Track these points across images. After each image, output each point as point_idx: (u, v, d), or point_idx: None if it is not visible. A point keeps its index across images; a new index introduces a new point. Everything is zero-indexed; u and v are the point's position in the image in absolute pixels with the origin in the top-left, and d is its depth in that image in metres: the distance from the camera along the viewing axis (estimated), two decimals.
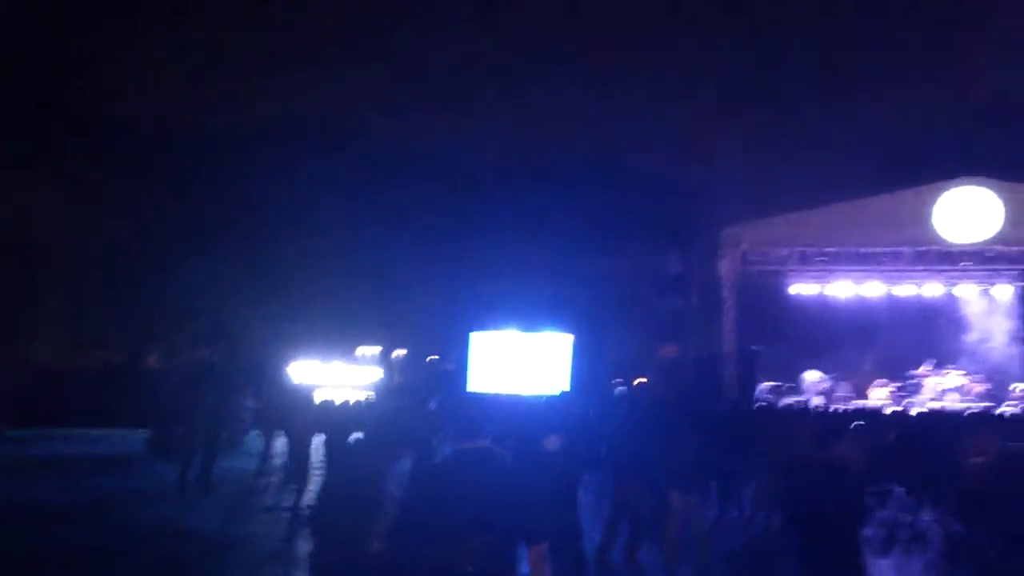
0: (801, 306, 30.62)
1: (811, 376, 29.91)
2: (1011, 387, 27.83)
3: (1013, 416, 22.03)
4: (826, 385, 29.64)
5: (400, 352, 43.64)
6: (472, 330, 23.86)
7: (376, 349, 43.33)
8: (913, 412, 21.70)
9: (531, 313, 25.67)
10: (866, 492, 8.56)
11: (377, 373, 42.03)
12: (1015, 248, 27.15)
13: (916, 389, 29.06)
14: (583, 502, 13.06)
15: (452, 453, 4.51)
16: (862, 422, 7.92)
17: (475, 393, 21.92)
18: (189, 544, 11.75)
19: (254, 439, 23.92)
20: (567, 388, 22.60)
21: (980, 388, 28.37)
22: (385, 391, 31.29)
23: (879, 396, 28.95)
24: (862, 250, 28.20)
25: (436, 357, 33.88)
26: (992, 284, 29.78)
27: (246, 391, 24.05)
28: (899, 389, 29.34)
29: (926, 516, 13.62)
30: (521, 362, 23.38)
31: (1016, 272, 26.67)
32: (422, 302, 35.04)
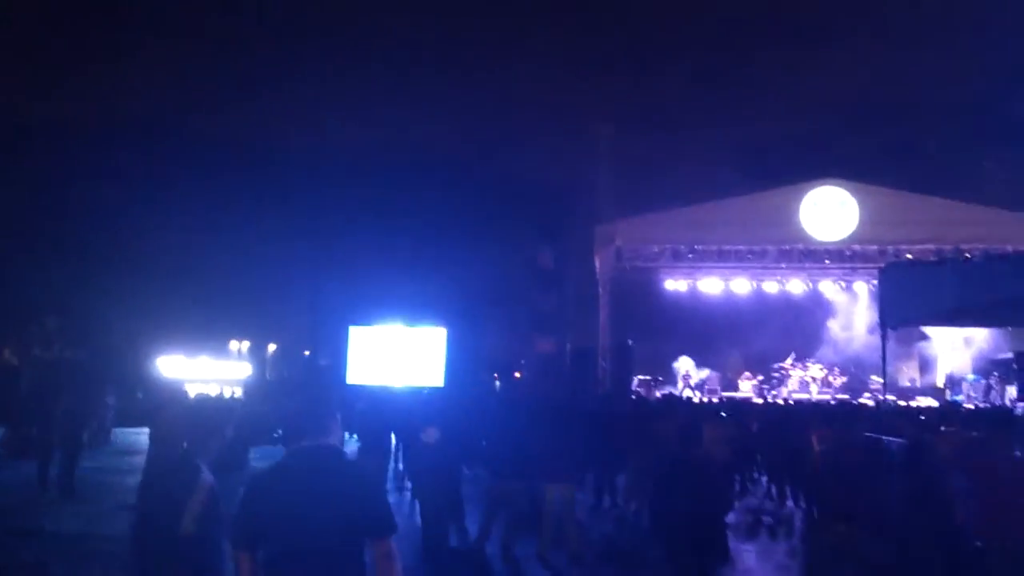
0: (673, 301, 31.43)
1: (683, 364, 30.82)
2: (870, 379, 29.32)
3: (869, 408, 23.09)
4: (697, 375, 30.59)
5: (272, 347, 42.79)
6: (350, 324, 23.60)
7: (247, 344, 42.35)
8: (775, 403, 22.61)
9: (408, 308, 25.57)
10: (731, 480, 8.91)
11: (247, 369, 41.12)
12: (871, 247, 28.54)
13: (781, 381, 30.26)
14: (466, 495, 13.16)
15: (289, 451, 4.43)
16: (724, 414, 8.23)
17: (353, 385, 21.76)
18: (46, 545, 11.27)
19: (121, 436, 23.08)
20: (441, 382, 22.59)
21: (840, 380, 29.80)
22: (256, 386, 30.63)
23: (746, 388, 30.06)
24: (730, 247, 29.14)
25: (309, 352, 33.36)
26: (851, 281, 31.28)
27: (107, 388, 23.16)
28: (764, 381, 30.54)
29: (788, 502, 14.25)
30: (398, 356, 23.25)
31: (872, 270, 28.02)
32: (295, 297, 34.45)
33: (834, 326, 31.14)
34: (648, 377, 30.32)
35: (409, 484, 12.19)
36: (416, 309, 25.61)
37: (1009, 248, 25.16)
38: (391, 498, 13.62)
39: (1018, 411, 21.08)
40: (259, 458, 14.80)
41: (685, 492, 7.05)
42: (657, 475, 7.74)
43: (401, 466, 15.26)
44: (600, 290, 29.69)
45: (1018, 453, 6.18)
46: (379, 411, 13.00)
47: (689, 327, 31.01)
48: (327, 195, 34.24)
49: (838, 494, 9.57)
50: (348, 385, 21.64)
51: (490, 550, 10.74)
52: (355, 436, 12.57)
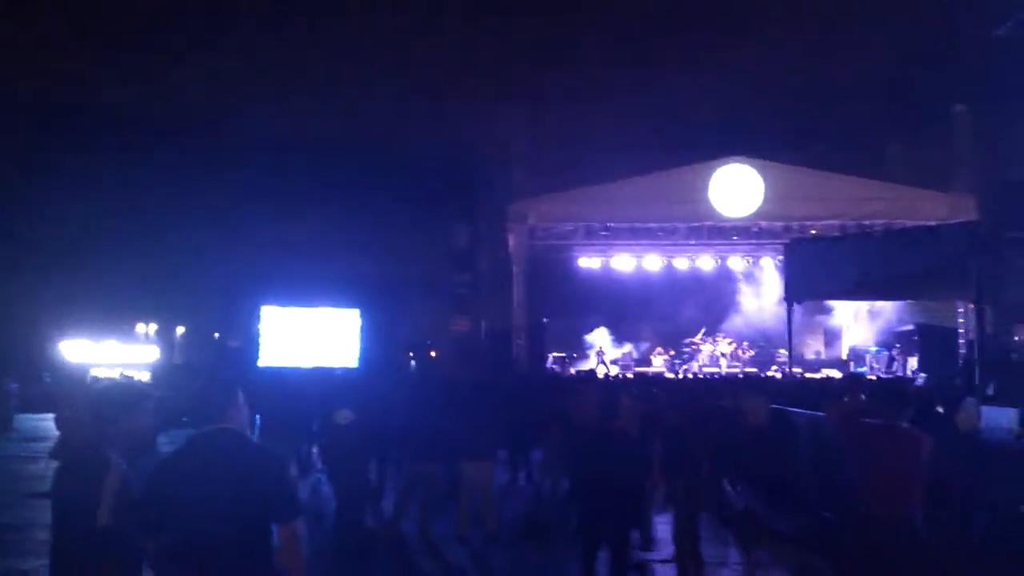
0: (587, 279, 31.74)
1: (598, 340, 31.19)
2: (777, 352, 30.13)
3: (775, 380, 23.73)
4: (611, 351, 31.01)
5: (181, 329, 41.83)
6: (262, 304, 23.20)
7: (153, 327, 41.31)
8: (685, 377, 23.07)
9: (322, 289, 25.21)
10: (647, 451, 9.06)
11: (155, 352, 40.12)
12: (777, 223, 29.20)
13: (692, 356, 30.89)
14: (387, 478, 13.10)
15: (191, 436, 4.35)
16: (635, 389, 8.38)
17: (266, 368, 21.42)
18: None
19: (24, 423, 22.37)
20: (356, 363, 22.42)
21: (749, 353, 30.56)
22: (164, 370, 29.94)
23: (659, 363, 30.61)
24: (642, 225, 29.47)
25: (219, 334, 32.72)
26: (758, 256, 32.02)
27: (8, 374, 22.42)
28: (676, 356, 31.12)
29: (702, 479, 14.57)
30: (312, 337, 22.98)
31: (778, 245, 28.67)
32: (204, 277, 33.67)
33: (742, 301, 31.87)
34: (563, 354, 30.61)
35: (324, 466, 12.10)
36: (330, 290, 25.28)
37: (909, 223, 26.03)
38: (305, 481, 13.51)
39: (919, 382, 21.94)
40: (170, 443, 14.51)
41: (606, 462, 7.16)
42: (576, 447, 7.84)
43: (316, 448, 15.16)
44: (514, 268, 29.77)
45: (905, 424, 6.42)
46: (290, 392, 12.86)
47: (603, 304, 31.38)
48: (239, 174, 33.48)
49: (745, 464, 9.83)
50: (259, 368, 21.30)
51: (408, 530, 10.75)
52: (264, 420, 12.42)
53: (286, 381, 14.74)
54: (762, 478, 8.10)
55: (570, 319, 31.24)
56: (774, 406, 11.57)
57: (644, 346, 31.90)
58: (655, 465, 9.15)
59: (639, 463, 7.91)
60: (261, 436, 11.91)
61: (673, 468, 9.57)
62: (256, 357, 22.38)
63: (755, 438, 8.27)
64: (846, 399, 10.88)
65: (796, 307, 21.58)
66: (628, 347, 31.63)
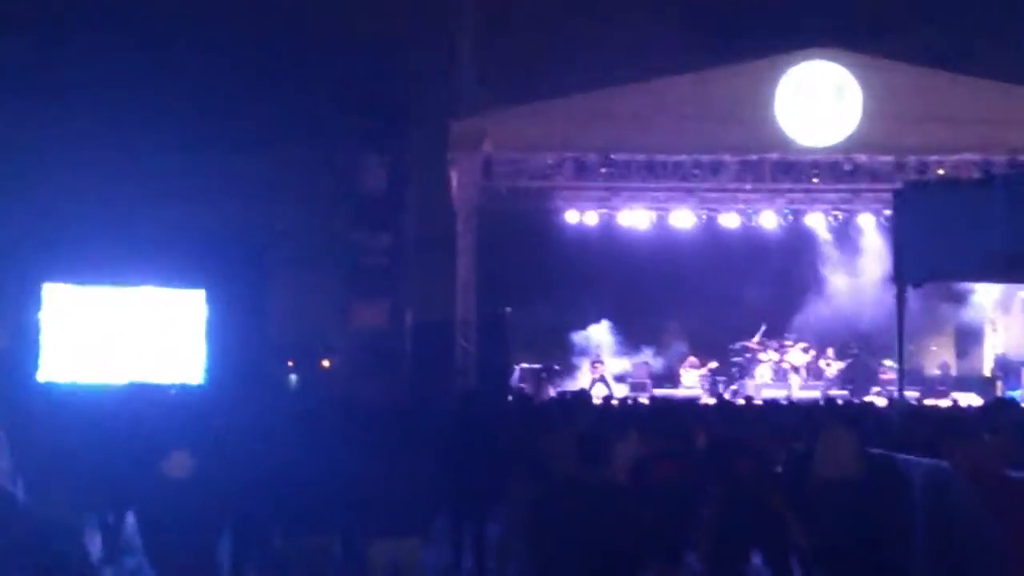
0: (577, 244, 31.68)
1: (594, 341, 31.22)
2: (882, 364, 30.27)
3: (877, 409, 23.86)
4: (614, 362, 31.04)
5: None
6: (44, 281, 23.00)
7: None
8: (735, 403, 23.14)
9: (145, 256, 24.96)
10: (659, 532, 9.10)
11: None
12: (882, 157, 29.33)
13: (745, 370, 31.02)
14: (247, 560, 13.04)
15: None
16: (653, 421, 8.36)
17: (50, 384, 21.25)
18: None
19: None
20: (199, 378, 22.32)
21: (837, 367, 30.69)
22: None
23: (691, 381, 30.68)
24: (666, 158, 29.49)
25: None
26: (852, 211, 32.12)
27: None
28: (719, 370, 31.18)
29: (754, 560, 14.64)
30: (126, 334, 22.83)
31: (883, 193, 28.71)
32: None
33: (826, 282, 31.96)
34: (538, 365, 30.61)
35: (141, 546, 12.01)
36: (158, 257, 25.04)
37: None
38: (114, 572, 13.42)
39: None
40: None
41: (581, 531, 7.13)
42: (547, 519, 7.81)
43: (130, 518, 15.04)
44: (459, 226, 29.66)
45: None
46: (91, 425, 12.76)
47: (602, 285, 31.37)
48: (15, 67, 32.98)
49: (830, 547, 9.88)
50: (38, 384, 21.15)
51: None
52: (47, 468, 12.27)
53: (84, 407, 14.63)
54: (852, 562, 8.17)
55: (549, 309, 31.23)
56: (874, 450, 11.68)
57: (669, 353, 31.99)
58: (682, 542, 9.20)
59: (640, 535, 7.90)
60: (37, 497, 11.85)
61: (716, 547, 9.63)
62: (33, 366, 22.22)
63: (842, 498, 8.33)
64: (987, 438, 11.00)
65: (912, 292, 21.71)
66: (643, 356, 31.69)
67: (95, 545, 13.24)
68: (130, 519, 14.65)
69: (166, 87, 33.85)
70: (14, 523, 4.23)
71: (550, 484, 9.08)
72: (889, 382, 28.60)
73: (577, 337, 31.61)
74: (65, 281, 22.80)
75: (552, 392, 28.01)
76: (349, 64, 34.04)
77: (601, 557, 7.14)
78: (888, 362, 29.11)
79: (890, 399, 25.91)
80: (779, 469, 12.35)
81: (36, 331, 22.41)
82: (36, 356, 22.34)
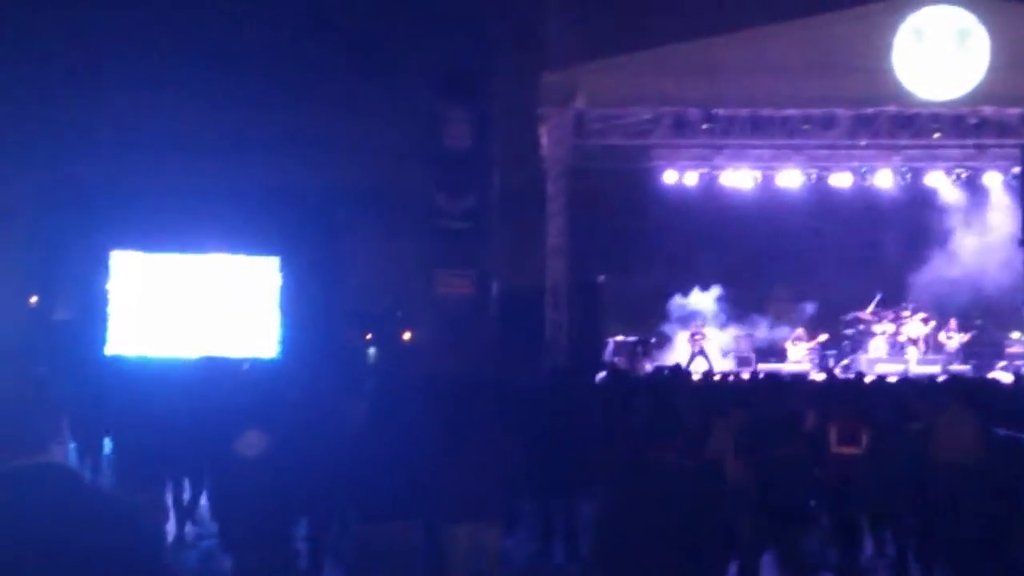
0: (676, 206, 31.67)
1: (695, 310, 31.20)
2: (1008, 337, 29.98)
3: (1006, 387, 23.66)
4: (718, 334, 31.00)
5: None
6: (111, 248, 23.34)
7: None
8: (848, 379, 23.07)
9: (214, 222, 25.24)
10: (752, 514, 9.15)
11: None
12: (1012, 110, 29.03)
13: (859, 343, 30.86)
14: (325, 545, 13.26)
15: None
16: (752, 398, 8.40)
17: (117, 358, 21.60)
18: None
19: None
20: (273, 351, 22.58)
21: (960, 339, 30.42)
22: None
23: (799, 354, 30.58)
24: (772, 112, 29.41)
25: (37, 299, 32.83)
26: (978, 169, 31.80)
27: None
28: (830, 343, 31.04)
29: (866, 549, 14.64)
30: (197, 306, 23.14)
31: (1013, 149, 28.44)
32: (12, 201, 33.64)
33: (950, 247, 31.69)
34: (633, 338, 30.65)
35: (216, 531, 12.23)
36: (229, 223, 25.30)
37: None
38: (187, 552, 13.70)
39: None
40: None
41: (685, 526, 7.20)
42: (618, 490, 7.88)
43: (204, 500, 15.29)
44: (550, 187, 29.73)
45: None
46: (160, 401, 13.00)
47: (702, 252, 31.34)
48: (65, 27, 33.37)
49: (951, 537, 9.90)
50: (105, 357, 21.52)
51: None
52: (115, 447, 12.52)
53: (153, 382, 14.89)
54: (973, 553, 8.19)
55: (645, 276, 31.22)
56: (999, 431, 11.64)
57: (775, 325, 31.90)
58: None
59: (729, 531, 7.94)
60: (113, 475, 12.10)
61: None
62: (101, 339, 22.57)
63: (963, 484, 8.34)
64: None
65: None
66: (747, 327, 31.64)
67: (169, 526, 13.51)
68: (202, 501, 14.98)
69: (238, 43, 34.13)
70: (81, 503, 4.33)
71: (635, 466, 9.16)
72: (1016, 356, 28.39)
73: (675, 307, 31.57)
74: (133, 248, 23.08)
75: (648, 367, 28.03)
76: (432, 12, 34.11)
77: (682, 547, 7.20)
78: (1015, 334, 28.88)
79: (1017, 375, 25.71)
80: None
81: (103, 302, 22.74)
82: (103, 328, 22.67)
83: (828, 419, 13.92)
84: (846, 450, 13.00)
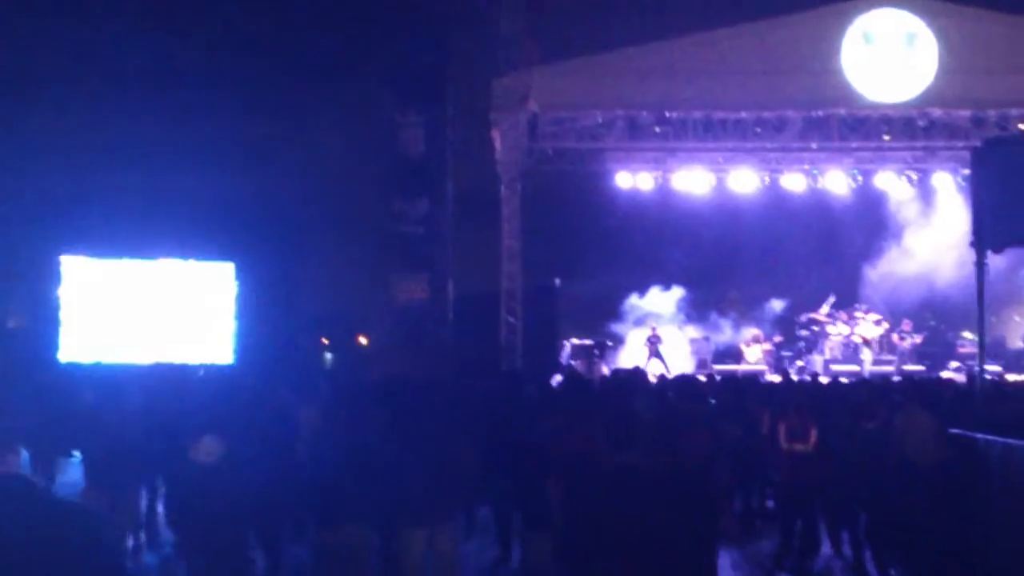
0: (629, 209, 31.66)
1: (649, 310, 31.20)
2: (961, 337, 30.12)
3: (957, 386, 23.79)
4: (672, 336, 31.02)
5: None
6: (61, 253, 23.13)
7: None
8: (803, 380, 23.14)
9: (169, 226, 25.09)
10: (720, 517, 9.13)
11: None
12: (960, 112, 29.18)
13: (813, 343, 30.99)
14: (281, 552, 13.17)
15: None
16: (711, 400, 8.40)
17: (71, 364, 21.43)
18: None
19: None
20: (228, 356, 22.46)
21: (911, 340, 30.56)
22: None
23: (755, 356, 30.63)
24: (725, 115, 29.47)
25: None
26: (926, 169, 31.96)
27: None
28: (785, 344, 31.16)
29: (824, 544, 14.69)
30: (151, 311, 22.97)
31: (961, 151, 28.50)
32: None
33: (900, 248, 31.82)
34: (589, 341, 30.64)
35: (172, 538, 12.15)
36: (184, 227, 25.15)
37: None
38: (143, 565, 13.60)
39: None
40: None
41: (606, 523, 7.14)
42: (568, 496, 7.83)
43: (160, 507, 15.20)
44: (503, 191, 29.69)
45: None
46: (116, 410, 12.90)
47: (657, 254, 31.36)
48: (24, 35, 33.14)
49: (903, 524, 9.93)
50: (59, 363, 21.35)
51: None
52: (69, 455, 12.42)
53: (107, 388, 14.78)
54: (931, 546, 8.21)
55: (600, 280, 31.23)
56: (952, 430, 11.70)
57: (729, 327, 31.96)
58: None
59: (707, 513, 7.91)
60: (61, 483, 12.00)
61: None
62: (53, 346, 22.38)
63: (919, 480, 8.36)
64: None
65: (993, 258, 21.56)
66: (702, 329, 31.69)
67: (126, 533, 13.40)
68: (158, 509, 14.87)
69: (191, 50, 33.95)
70: (37, 511, 4.28)
71: (601, 467, 9.12)
72: (969, 356, 28.49)
73: (630, 310, 31.61)
74: (86, 254, 22.91)
75: (605, 370, 28.05)
76: (384, 17, 34.03)
77: (646, 550, 7.16)
78: (967, 335, 29.02)
79: (970, 375, 25.84)
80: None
81: (55, 308, 22.56)
82: (56, 335, 22.50)
83: (780, 418, 14.01)
84: (797, 447, 13.09)
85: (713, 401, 15.61)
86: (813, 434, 13.09)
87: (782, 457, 13.46)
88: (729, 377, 23.86)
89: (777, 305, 31.73)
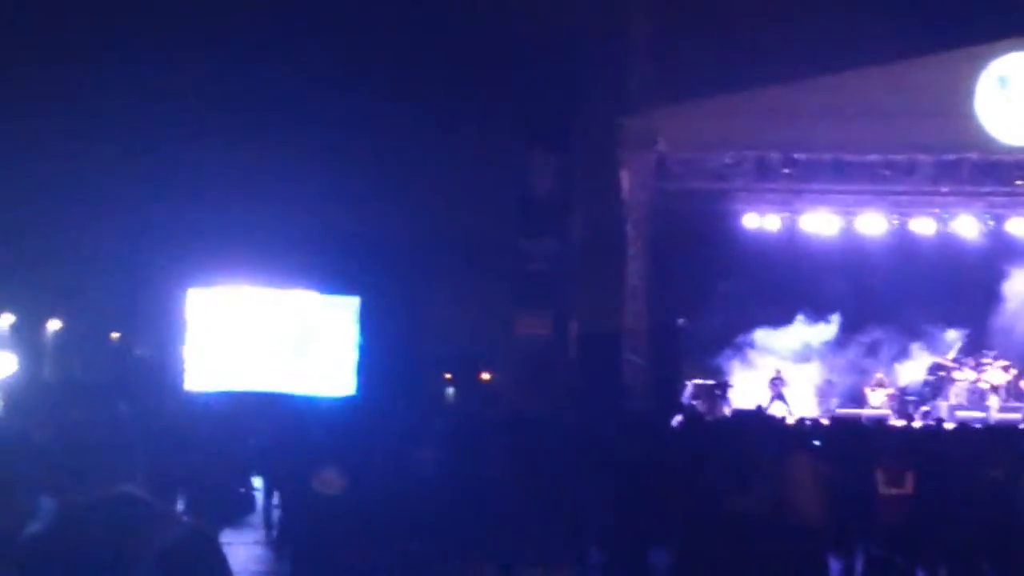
0: (757, 249, 31.47)
1: (773, 349, 30.97)
2: None
3: None
4: (796, 376, 30.74)
5: (55, 324, 42.55)
6: (188, 286, 23.48)
7: (8, 320, 42.14)
8: (929, 425, 22.80)
9: (293, 260, 25.35)
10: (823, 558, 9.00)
11: (10, 361, 40.87)
12: None
13: (939, 389, 30.51)
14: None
15: (62, 507, 4.33)
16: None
17: (196, 393, 21.70)
18: None
19: None
20: (351, 388, 22.62)
21: None
22: (22, 391, 30.44)
23: (878, 400, 30.25)
24: (854, 158, 29.20)
25: (119, 335, 33.10)
26: None
27: None
28: (908, 389, 30.72)
29: None
30: (275, 342, 23.20)
31: None
32: (92, 241, 33.93)
33: None
34: (712, 381, 30.48)
35: (289, 565, 12.26)
36: (308, 260, 25.40)
37: None
38: None
39: None
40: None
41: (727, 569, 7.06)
42: (690, 541, 7.77)
43: (275, 532, 15.34)
44: (630, 230, 29.69)
45: None
46: (236, 436, 13.06)
47: (783, 295, 31.14)
48: (143, 64, 33.71)
49: None
50: (185, 392, 21.65)
51: None
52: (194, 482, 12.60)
53: (229, 416, 14.97)
54: None
55: (726, 320, 31.05)
56: None
57: (853, 371, 31.61)
58: None
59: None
60: (182, 508, 12.14)
61: None
62: (179, 374, 22.68)
63: None
64: None
65: None
66: (828, 372, 31.41)
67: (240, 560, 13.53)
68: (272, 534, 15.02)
69: (325, 87, 34.35)
70: (157, 531, 4.32)
71: (710, 517, 9.05)
72: None
73: (755, 352, 31.36)
74: (210, 283, 23.20)
75: (727, 410, 27.86)
76: (516, 56, 34.17)
77: None
78: None
79: None
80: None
81: (179, 338, 22.91)
82: (180, 364, 22.83)
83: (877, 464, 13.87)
84: (893, 491, 13.03)
85: (817, 443, 15.47)
86: (909, 478, 12.98)
87: (880, 502, 13.38)
88: (844, 421, 23.54)
89: (903, 350, 31.25)
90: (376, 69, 34.84)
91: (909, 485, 13.02)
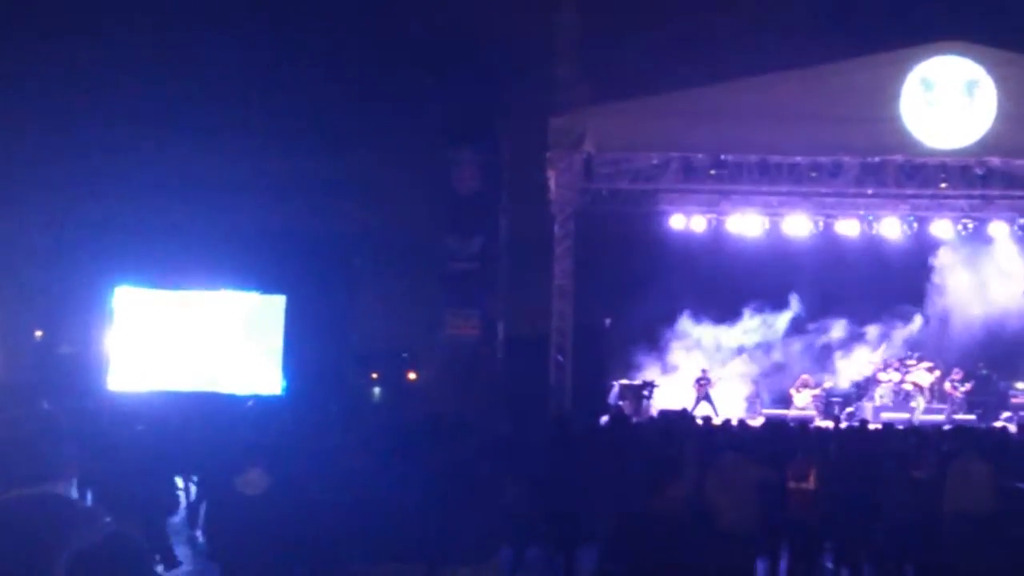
0: (683, 251, 31.48)
1: (700, 352, 31.05)
2: (1013, 387, 29.79)
3: (1008, 435, 23.51)
4: (722, 376, 30.85)
5: None
6: (116, 284, 23.24)
7: None
8: (852, 426, 22.93)
9: (220, 259, 25.15)
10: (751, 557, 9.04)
11: None
12: (1018, 162, 28.83)
13: (864, 390, 30.73)
14: None
15: None
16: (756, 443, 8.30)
17: (120, 393, 21.48)
18: None
19: None
20: (277, 388, 22.48)
21: (964, 389, 30.22)
22: None
23: (804, 401, 30.40)
24: (780, 159, 29.30)
25: (42, 333, 32.76)
26: (983, 218, 31.62)
27: None
28: (832, 390, 30.90)
29: None
30: (200, 342, 23.01)
31: (1018, 200, 28.27)
32: (16, 238, 33.51)
33: (954, 296, 31.58)
34: (638, 382, 30.50)
35: (216, 566, 12.14)
36: (236, 261, 25.21)
37: None
38: None
39: None
40: None
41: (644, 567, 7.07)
42: (614, 539, 7.79)
43: (200, 533, 15.22)
44: (557, 230, 29.64)
45: None
46: (161, 436, 12.93)
47: (709, 296, 31.23)
48: (82, 64, 33.39)
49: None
50: (108, 393, 21.43)
51: None
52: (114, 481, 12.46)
53: (155, 416, 14.82)
54: None
55: (651, 320, 31.11)
56: (1009, 482, 11.53)
57: (779, 372, 31.77)
58: None
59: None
60: (105, 507, 11.98)
61: None
62: (103, 374, 22.45)
63: (974, 534, 8.25)
64: None
65: None
66: (752, 372, 31.53)
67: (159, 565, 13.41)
68: (198, 535, 14.89)
69: (247, 85, 34.11)
70: (78, 532, 4.28)
71: (645, 511, 9.06)
72: (1020, 406, 28.21)
73: (680, 352, 31.45)
74: (137, 283, 23.00)
75: (653, 411, 27.90)
76: (444, 56, 34.08)
77: None
78: (1020, 385, 28.69)
79: (1021, 425, 25.59)
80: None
81: (105, 337, 22.66)
82: (105, 363, 22.59)
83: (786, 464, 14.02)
84: (801, 485, 13.30)
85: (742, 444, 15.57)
86: (811, 473, 13.22)
87: (789, 497, 13.58)
88: (770, 422, 23.59)
89: (827, 351, 31.43)
90: (303, 69, 34.64)
91: (812, 480, 13.22)
